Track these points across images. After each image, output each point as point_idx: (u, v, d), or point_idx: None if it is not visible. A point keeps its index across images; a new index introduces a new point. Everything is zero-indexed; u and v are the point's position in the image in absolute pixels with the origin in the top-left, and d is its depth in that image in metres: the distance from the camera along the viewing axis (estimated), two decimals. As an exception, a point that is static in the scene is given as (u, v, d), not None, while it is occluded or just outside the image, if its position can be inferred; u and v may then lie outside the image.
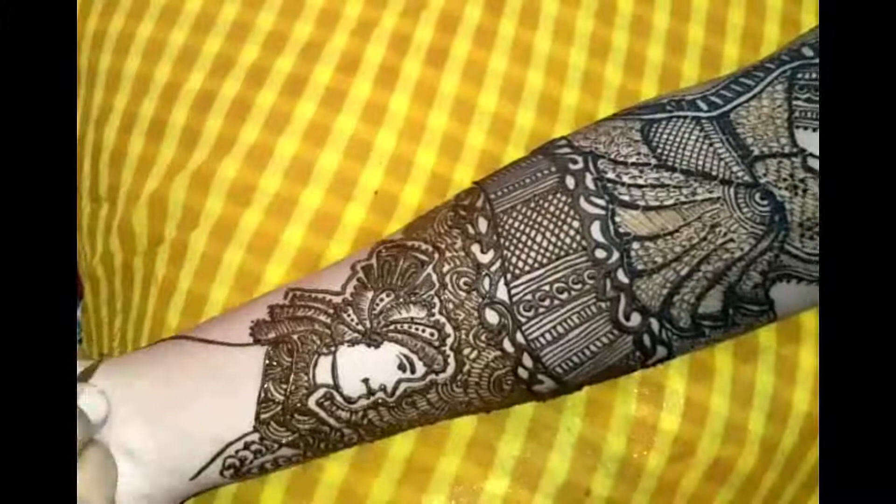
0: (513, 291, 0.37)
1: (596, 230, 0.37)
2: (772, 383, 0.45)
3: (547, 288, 0.37)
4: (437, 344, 0.38)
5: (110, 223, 0.49)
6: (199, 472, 0.38)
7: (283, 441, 0.38)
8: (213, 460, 0.38)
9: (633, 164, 0.38)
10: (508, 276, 0.37)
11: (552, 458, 0.43)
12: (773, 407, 0.45)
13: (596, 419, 0.43)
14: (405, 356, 0.38)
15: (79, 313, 0.55)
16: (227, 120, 0.48)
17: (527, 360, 0.38)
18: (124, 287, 0.49)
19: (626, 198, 0.37)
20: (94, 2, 0.52)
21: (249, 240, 0.46)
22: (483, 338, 0.37)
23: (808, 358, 0.45)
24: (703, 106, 0.39)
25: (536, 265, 0.37)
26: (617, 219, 0.37)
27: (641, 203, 0.37)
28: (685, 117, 0.39)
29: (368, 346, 0.38)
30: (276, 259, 0.45)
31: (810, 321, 0.46)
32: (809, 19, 0.52)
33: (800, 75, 0.38)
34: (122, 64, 0.50)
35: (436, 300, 0.38)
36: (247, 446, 0.38)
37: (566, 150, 0.39)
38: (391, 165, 0.47)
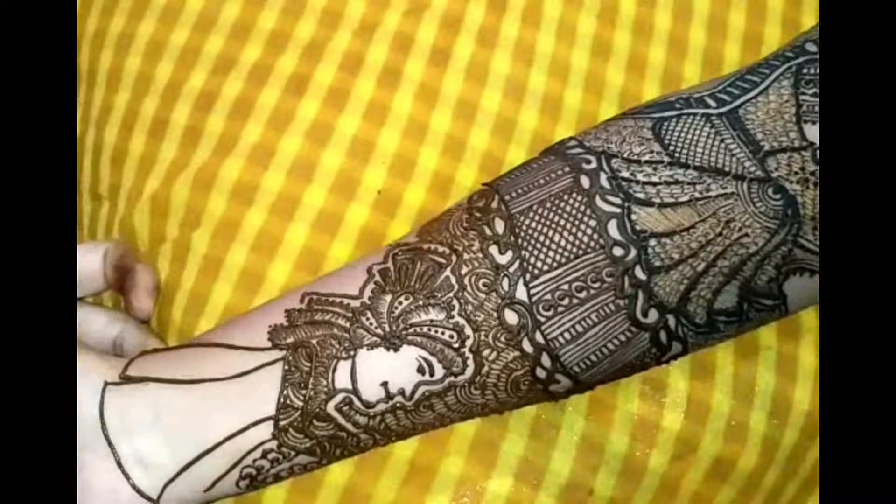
0: (532, 291, 0.37)
1: (613, 228, 0.37)
2: (773, 381, 0.45)
3: (566, 287, 0.37)
4: (456, 346, 0.38)
5: (111, 222, 0.49)
6: (215, 483, 0.38)
7: (301, 448, 0.38)
8: (230, 470, 0.38)
9: (646, 161, 0.38)
10: (527, 276, 0.37)
11: (555, 457, 0.43)
12: (775, 405, 0.45)
13: (599, 418, 0.43)
14: (424, 359, 0.38)
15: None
16: (230, 119, 0.48)
17: (545, 360, 0.38)
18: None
19: (642, 195, 0.37)
20: (95, 1, 0.52)
21: (252, 239, 0.45)
22: (502, 339, 0.37)
23: (808, 356, 0.46)
24: (712, 103, 0.39)
25: (555, 265, 0.37)
26: (633, 216, 0.37)
27: (657, 200, 0.37)
28: (695, 114, 0.39)
29: (388, 349, 0.38)
30: (278, 258, 0.45)
31: (810, 319, 0.46)
32: (810, 21, 0.52)
33: (805, 70, 0.38)
34: (122, 63, 0.50)
35: (455, 302, 0.38)
36: (265, 454, 0.38)
37: (578, 150, 0.39)
38: (394, 165, 0.47)
